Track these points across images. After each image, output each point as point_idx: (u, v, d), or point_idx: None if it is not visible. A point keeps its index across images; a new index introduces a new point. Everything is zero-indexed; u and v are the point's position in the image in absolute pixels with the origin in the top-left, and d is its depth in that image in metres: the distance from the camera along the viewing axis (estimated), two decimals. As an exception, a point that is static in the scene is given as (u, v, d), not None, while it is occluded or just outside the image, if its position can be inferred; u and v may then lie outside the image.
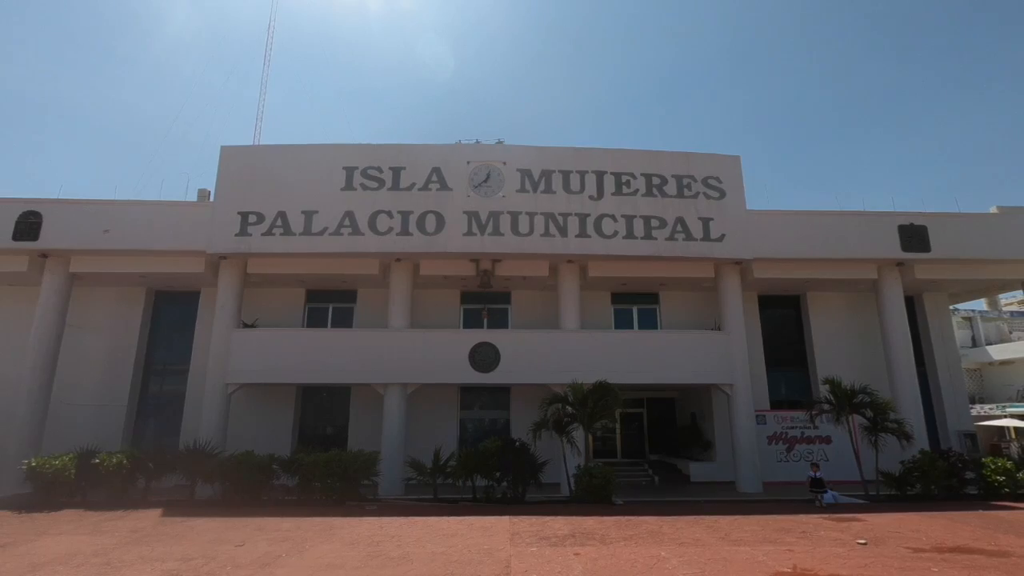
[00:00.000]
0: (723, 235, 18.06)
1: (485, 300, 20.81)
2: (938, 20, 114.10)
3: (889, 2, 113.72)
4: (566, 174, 18.40)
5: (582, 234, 17.84)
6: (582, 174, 18.45)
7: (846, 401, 15.83)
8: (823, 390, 17.03)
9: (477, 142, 19.67)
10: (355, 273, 18.85)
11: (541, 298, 20.61)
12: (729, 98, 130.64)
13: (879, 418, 15.49)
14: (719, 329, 18.80)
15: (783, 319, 22.01)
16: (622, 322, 21.13)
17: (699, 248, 18.01)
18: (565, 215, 17.97)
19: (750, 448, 17.40)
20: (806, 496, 14.94)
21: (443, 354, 17.77)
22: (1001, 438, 26.81)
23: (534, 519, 11.54)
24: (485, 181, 18.31)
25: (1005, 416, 26.62)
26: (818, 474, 14.31)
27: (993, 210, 19.89)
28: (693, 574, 7.49)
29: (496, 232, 17.65)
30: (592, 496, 13.97)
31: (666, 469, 20.58)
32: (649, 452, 22.49)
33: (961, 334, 34.05)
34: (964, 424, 21.29)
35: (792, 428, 19.38)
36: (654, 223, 18.04)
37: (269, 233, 17.49)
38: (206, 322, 19.09)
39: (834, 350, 20.95)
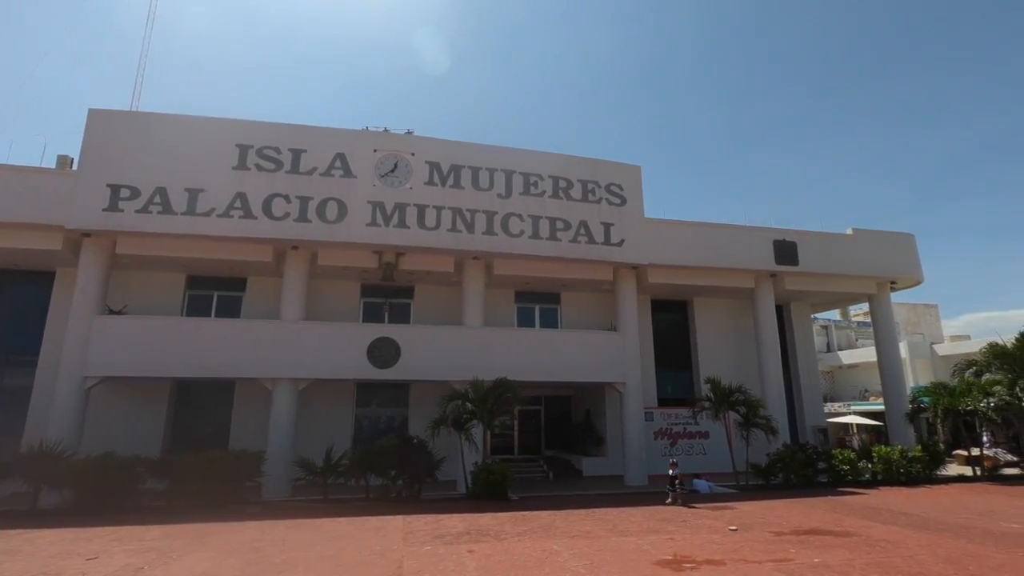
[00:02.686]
0: (622, 240, 18.90)
1: (387, 294, 20.23)
2: (830, 55, 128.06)
3: (785, 35, 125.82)
4: (475, 170, 18.33)
5: (489, 231, 17.87)
6: (491, 172, 18.48)
7: (724, 399, 17.20)
8: (705, 389, 18.39)
9: (385, 130, 19.05)
10: (245, 259, 17.48)
11: (445, 294, 20.39)
12: (638, 111, 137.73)
13: (751, 415, 17.00)
14: (615, 330, 19.66)
15: (672, 322, 23.49)
16: (525, 320, 21.48)
17: (600, 252, 18.71)
18: (473, 211, 17.90)
19: (638, 443, 18.35)
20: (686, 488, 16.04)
21: (340, 349, 17.01)
22: (846, 432, 30.52)
23: (429, 517, 11.36)
24: (392, 171, 17.78)
25: (850, 413, 30.34)
26: (675, 472, 13.87)
27: (849, 232, 22.54)
28: (583, 566, 7.71)
29: (401, 224, 17.20)
30: (489, 492, 14.03)
31: (561, 465, 21.20)
32: (545, 448, 23.06)
33: (818, 340, 38.37)
34: (818, 420, 23.99)
35: (676, 424, 20.77)
36: (559, 225, 18.48)
37: (145, 210, 15.75)
38: (62, 306, 16.80)
39: (715, 352, 22.73)
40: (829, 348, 40.77)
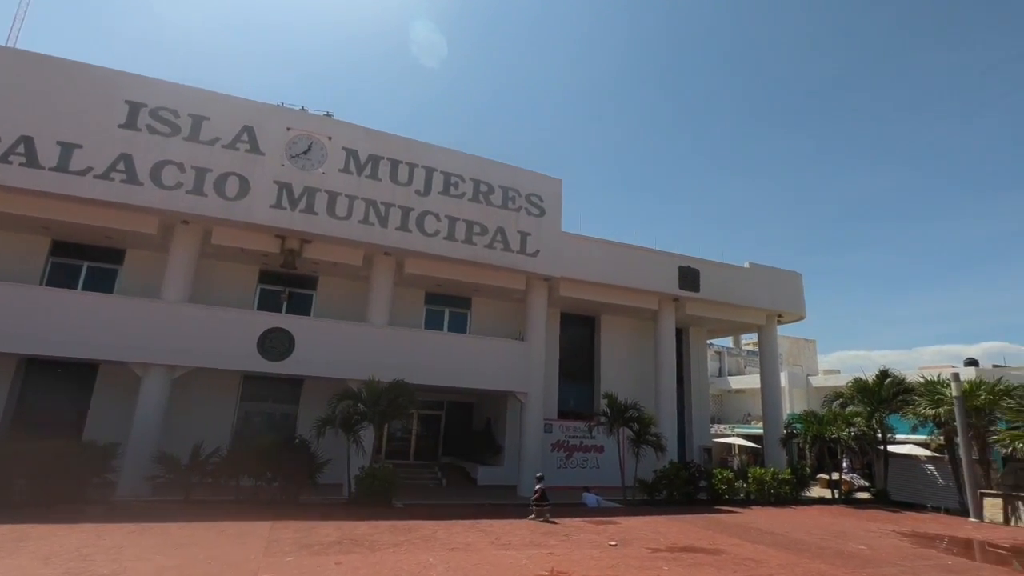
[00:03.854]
0: (538, 251, 18.96)
1: (288, 282, 19.01)
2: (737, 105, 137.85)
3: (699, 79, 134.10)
4: (395, 163, 17.70)
5: (403, 228, 17.28)
6: (412, 167, 17.92)
7: (619, 415, 17.60)
8: (603, 404, 18.76)
9: (303, 109, 17.97)
10: (125, 229, 15.70)
11: (351, 288, 19.50)
12: (574, 129, 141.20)
13: (643, 431, 17.51)
14: (523, 340, 19.65)
15: (579, 337, 23.91)
16: (433, 323, 20.98)
17: (515, 260, 18.65)
18: (388, 205, 17.23)
19: (535, 454, 18.36)
20: (576, 500, 16.21)
21: (227, 336, 15.69)
22: (728, 453, 32.51)
23: (301, 524, 10.55)
24: (305, 153, 16.76)
25: (734, 435, 32.35)
26: (539, 486, 13.24)
27: (746, 265, 24.07)
28: (456, 581, 7.38)
29: (310, 210, 16.21)
30: (373, 499, 13.37)
31: (456, 472, 20.80)
32: (442, 455, 22.58)
33: (711, 365, 40.78)
34: (705, 440, 25.29)
35: (573, 437, 21.05)
36: (476, 229, 18.23)
37: (4, 160, 13.74)
38: None
39: (617, 369, 23.36)
40: (720, 373, 43.39)
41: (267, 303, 18.77)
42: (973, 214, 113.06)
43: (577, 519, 13.28)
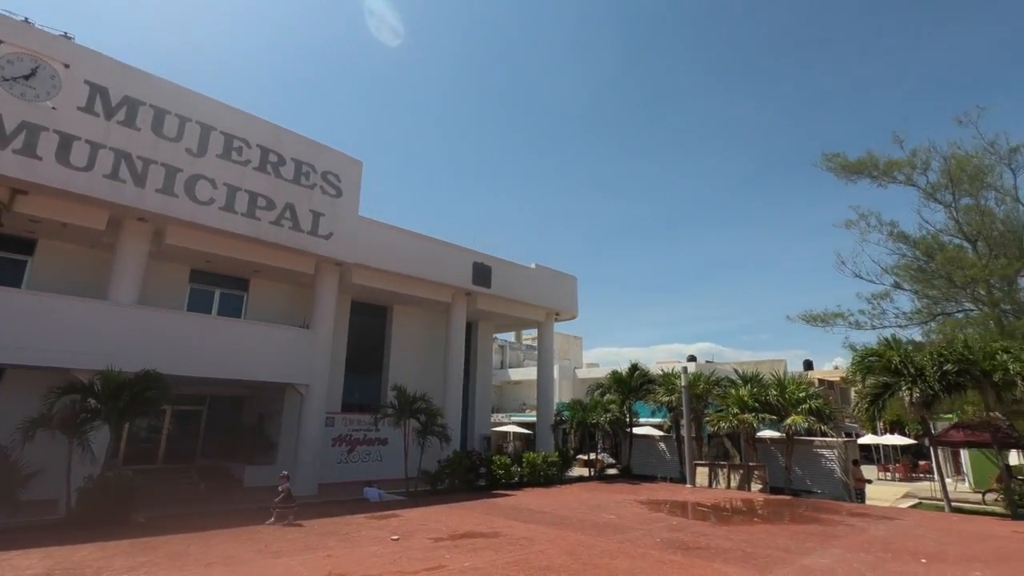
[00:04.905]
0: (331, 234, 17.75)
1: (-12, 242, 14.59)
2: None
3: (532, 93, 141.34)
4: (161, 112, 14.84)
5: (167, 191, 14.57)
6: (183, 120, 15.24)
7: (407, 406, 17.46)
8: (391, 396, 18.41)
9: (26, 20, 13.89)
10: None
11: (87, 257, 15.89)
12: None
13: (430, 422, 17.65)
14: (307, 327, 18.22)
15: (370, 327, 23.11)
16: (199, 305, 18.16)
17: (305, 241, 17.17)
18: (148, 161, 14.36)
19: (313, 450, 17.16)
20: (358, 496, 15.59)
21: None
22: (505, 440, 34.86)
23: (-10, 556, 8.11)
24: (27, 77, 13.04)
25: (510, 423, 34.80)
26: (284, 486, 11.96)
27: (532, 266, 26.00)
28: (214, 601, 6.39)
29: (31, 153, 12.64)
30: (103, 515, 10.94)
31: (219, 475, 18.36)
32: (201, 456, 19.73)
33: (495, 358, 43.36)
34: (485, 429, 26.64)
35: (357, 430, 20.27)
36: (261, 202, 16.30)
37: None
38: None
39: (407, 360, 23.18)
40: (502, 365, 46.34)
41: (-50, 267, 14.15)
42: (691, 242, 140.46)
43: (359, 515, 12.75)
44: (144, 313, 14.74)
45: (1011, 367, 15.46)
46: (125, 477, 11.69)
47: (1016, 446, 20.89)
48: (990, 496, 19.56)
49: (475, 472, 18.66)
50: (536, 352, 28.77)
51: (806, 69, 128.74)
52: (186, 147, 15.13)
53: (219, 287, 18.74)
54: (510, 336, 48.01)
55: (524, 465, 20.17)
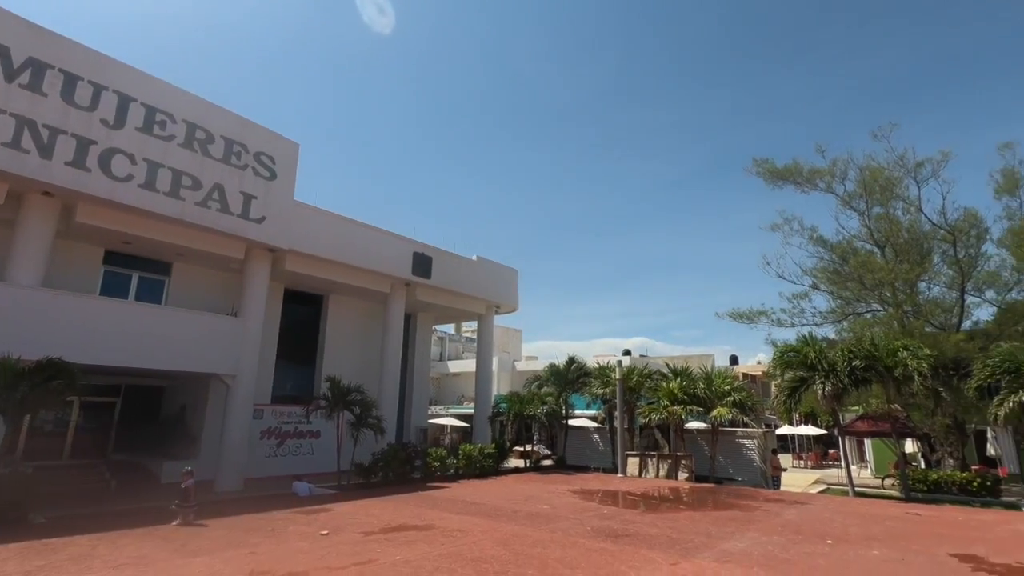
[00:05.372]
0: (263, 217, 16.97)
1: None
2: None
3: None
4: (72, 78, 13.66)
5: (78, 164, 13.44)
6: (99, 88, 14.09)
7: (341, 398, 17.02)
8: (324, 387, 17.87)
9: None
10: None
11: (-18, 233, 14.38)
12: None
13: (364, 414, 17.28)
14: (235, 315, 17.36)
15: (303, 316, 22.31)
16: (115, 289, 16.90)
17: (235, 224, 16.32)
18: (56, 130, 13.19)
19: (240, 443, 16.42)
20: (287, 491, 15.06)
21: None
22: (442, 432, 34.67)
23: None
24: (-92, 29, 11.61)
25: (448, 415, 34.65)
26: (188, 483, 11.01)
27: (474, 258, 25.90)
28: (122, 605, 5.99)
29: (-90, 113, 11.29)
30: (-4, 516, 10.02)
31: (133, 471, 17.19)
32: (115, 451, 18.45)
33: (433, 350, 43.01)
34: (422, 421, 26.40)
35: (287, 423, 19.55)
36: (187, 181, 15.35)
37: None
38: None
39: (342, 351, 22.55)
40: (441, 357, 46.05)
41: None
42: (626, 237, 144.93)
43: (286, 510, 12.30)
44: (48, 296, 13.54)
45: (910, 363, 16.89)
46: (21, 474, 10.74)
47: (912, 435, 22.90)
48: (888, 481, 21.32)
49: (410, 464, 18.46)
50: (476, 344, 28.76)
51: (744, 80, 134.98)
52: (101, 118, 14.00)
53: (137, 270, 17.51)
54: (450, 328, 47.75)
55: (460, 457, 20.15)
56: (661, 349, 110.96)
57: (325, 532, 9.98)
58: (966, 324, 21.86)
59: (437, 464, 19.15)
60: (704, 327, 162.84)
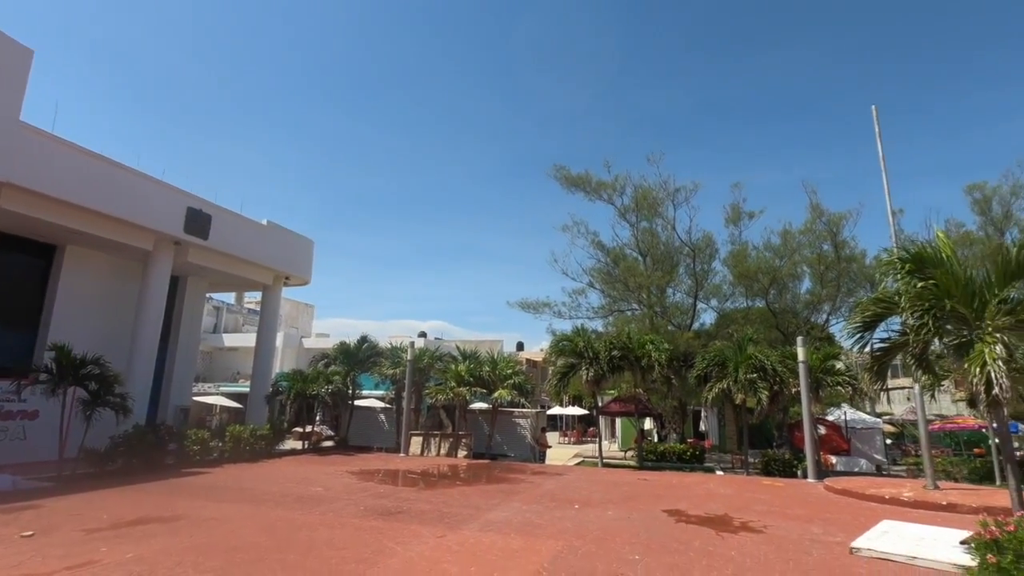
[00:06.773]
0: (-32, 136, 13.08)
1: None
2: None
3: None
4: None
5: None
6: None
7: (72, 371, 14.07)
8: (47, 357, 14.59)
9: None
10: None
11: None
12: None
13: (103, 391, 14.55)
14: (-89, 259, 13.13)
15: (25, 268, 17.90)
16: None
17: (-84, 138, 12.27)
18: None
19: (-95, 427, 12.52)
20: (-24, 485, 11.93)
21: None
22: (209, 412, 31.00)
23: None
24: None
25: (218, 393, 31.10)
26: None
27: (264, 222, 23.52)
28: None
29: None
30: None
31: None
32: None
33: (207, 320, 38.11)
34: (184, 400, 23.24)
35: (-12, 400, 15.51)
36: None
37: None
38: None
39: (81, 314, 18.64)
40: (216, 329, 41.10)
41: None
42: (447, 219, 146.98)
43: (-28, 510, 9.76)
44: None
45: (653, 355, 20.25)
46: None
47: (650, 415, 27.48)
48: (629, 453, 25.30)
49: (162, 449, 16.12)
50: (259, 317, 26.25)
51: (561, 87, 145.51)
52: None
53: None
54: (229, 297, 42.83)
55: (227, 439, 18.26)
56: (457, 333, 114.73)
57: (29, 533, 8.16)
58: (696, 325, 26.99)
59: (197, 448, 17.04)
60: (498, 315, 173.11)
